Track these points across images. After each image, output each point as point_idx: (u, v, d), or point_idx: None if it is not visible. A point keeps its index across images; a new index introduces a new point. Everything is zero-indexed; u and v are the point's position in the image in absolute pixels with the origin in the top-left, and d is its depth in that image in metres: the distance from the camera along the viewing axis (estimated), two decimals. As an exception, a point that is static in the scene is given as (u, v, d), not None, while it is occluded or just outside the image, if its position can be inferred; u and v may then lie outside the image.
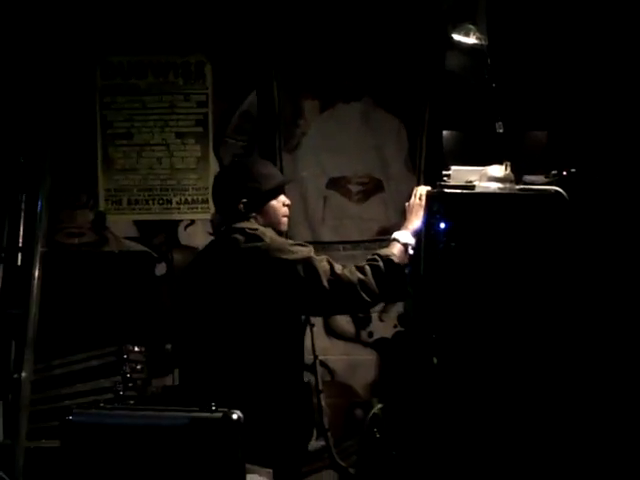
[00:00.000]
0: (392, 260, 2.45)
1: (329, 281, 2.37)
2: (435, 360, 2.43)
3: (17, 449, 3.17)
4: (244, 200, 2.51)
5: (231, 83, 3.49)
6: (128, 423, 1.83)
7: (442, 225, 2.32)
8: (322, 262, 2.41)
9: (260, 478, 2.02)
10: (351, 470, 3.47)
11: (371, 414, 3.43)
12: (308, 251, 2.43)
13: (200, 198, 3.54)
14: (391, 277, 2.46)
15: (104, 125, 3.54)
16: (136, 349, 3.38)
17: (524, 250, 2.24)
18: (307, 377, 2.75)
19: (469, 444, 2.35)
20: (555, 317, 2.24)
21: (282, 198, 2.60)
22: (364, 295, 2.41)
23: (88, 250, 3.54)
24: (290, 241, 2.53)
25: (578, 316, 2.23)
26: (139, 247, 3.56)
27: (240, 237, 2.43)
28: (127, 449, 1.81)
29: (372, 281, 2.41)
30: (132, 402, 3.07)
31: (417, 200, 2.55)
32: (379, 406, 3.42)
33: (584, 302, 2.23)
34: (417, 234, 2.54)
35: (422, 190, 2.55)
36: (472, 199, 2.27)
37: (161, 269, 3.56)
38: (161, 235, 3.56)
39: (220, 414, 1.77)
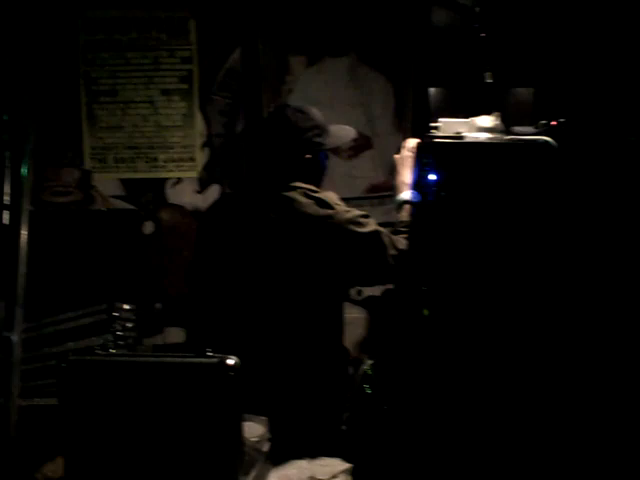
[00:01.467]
0: None
1: (393, 256, 2.36)
2: (426, 312, 2.46)
3: (9, 408, 3.18)
4: (307, 156, 2.42)
5: (216, 39, 3.44)
6: (124, 367, 1.84)
7: (431, 176, 2.33)
8: (385, 236, 2.38)
9: (256, 426, 2.04)
10: (342, 427, 3.50)
11: (361, 371, 3.46)
12: (374, 223, 2.39)
13: (187, 156, 3.51)
14: None
15: (88, 82, 3.49)
16: (126, 307, 3.38)
17: (514, 199, 2.26)
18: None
19: (460, 394, 2.39)
20: (544, 265, 2.27)
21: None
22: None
23: (75, 209, 3.52)
24: (357, 211, 2.42)
25: (568, 266, 2.26)
26: (126, 206, 3.55)
27: (302, 199, 2.34)
28: (123, 393, 1.83)
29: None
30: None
31: (407, 152, 2.55)
32: (369, 362, 3.44)
33: (573, 250, 2.25)
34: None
35: (412, 142, 2.55)
36: (461, 149, 2.27)
37: (149, 227, 3.54)
38: (148, 193, 3.54)
39: (216, 359, 1.78)
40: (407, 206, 2.52)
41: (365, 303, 3.52)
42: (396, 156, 2.61)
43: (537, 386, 2.35)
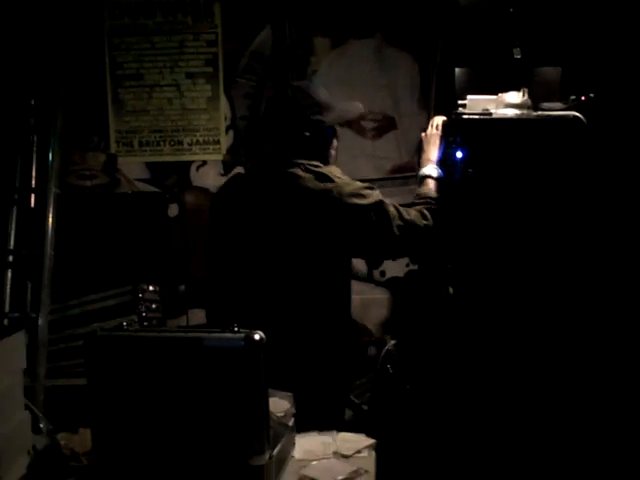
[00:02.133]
0: (440, 199, 2.42)
1: (398, 227, 2.33)
2: (451, 290, 2.45)
3: (36, 388, 3.22)
4: (307, 134, 2.41)
5: (240, 22, 3.44)
6: (151, 343, 1.85)
7: (459, 154, 2.32)
8: (391, 207, 2.36)
9: (281, 401, 2.05)
10: (364, 407, 3.51)
11: (384, 351, 3.47)
12: (377, 194, 2.37)
13: (211, 139, 3.52)
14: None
15: (113, 66, 3.51)
16: (151, 288, 3.40)
17: (542, 176, 2.24)
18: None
19: (484, 371, 2.38)
20: (573, 242, 2.25)
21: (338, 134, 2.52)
22: (428, 239, 2.38)
23: (101, 192, 3.54)
24: (359, 183, 2.41)
25: (595, 240, 2.24)
26: (151, 189, 3.56)
27: (304, 174, 2.34)
28: (150, 368, 1.83)
29: (434, 225, 2.36)
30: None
31: (434, 130, 2.53)
32: (392, 342, 3.45)
33: (602, 227, 2.23)
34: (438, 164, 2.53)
35: (439, 120, 2.54)
36: (490, 125, 2.26)
37: (173, 210, 3.56)
38: (173, 176, 3.56)
39: (242, 334, 1.78)
40: (428, 180, 2.50)
41: (388, 284, 3.51)
42: (423, 134, 2.59)
43: (560, 366, 2.33)
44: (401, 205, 2.42)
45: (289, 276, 2.36)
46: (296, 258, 2.34)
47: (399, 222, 2.33)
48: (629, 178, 2.21)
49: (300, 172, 2.34)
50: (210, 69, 3.48)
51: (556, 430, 2.34)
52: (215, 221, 2.58)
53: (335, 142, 2.51)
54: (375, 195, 2.36)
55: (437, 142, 2.50)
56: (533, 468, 2.35)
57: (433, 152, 2.51)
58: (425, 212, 2.38)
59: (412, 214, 2.37)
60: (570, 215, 2.24)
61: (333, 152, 2.52)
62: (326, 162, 2.46)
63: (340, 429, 2.19)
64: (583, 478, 2.32)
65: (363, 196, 2.33)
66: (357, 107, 2.61)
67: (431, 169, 2.50)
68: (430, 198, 2.43)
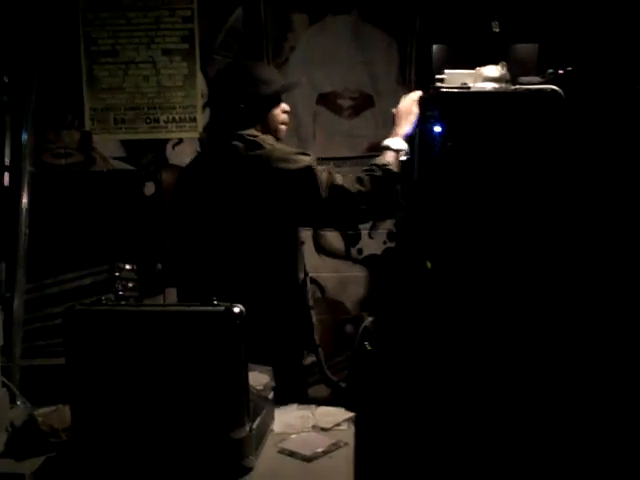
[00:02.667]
0: (390, 169, 2.42)
1: (326, 191, 2.35)
2: (429, 264, 2.45)
3: (12, 367, 3.19)
4: (242, 105, 2.46)
5: (217, -2, 3.41)
6: (130, 317, 1.84)
7: (437, 128, 2.32)
8: (323, 172, 2.37)
9: (260, 375, 2.05)
10: (342, 384, 3.52)
11: (362, 328, 3.48)
12: (310, 160, 2.39)
13: (188, 116, 3.49)
14: (389, 186, 2.43)
15: (88, 42, 3.46)
16: (127, 267, 3.37)
17: (521, 148, 2.25)
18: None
19: (462, 343, 2.39)
20: (551, 213, 2.26)
21: (282, 105, 2.54)
22: (362, 206, 2.39)
23: (76, 170, 3.50)
24: (292, 149, 2.47)
25: (573, 212, 2.26)
26: (127, 167, 3.53)
27: (239, 144, 2.40)
28: (129, 342, 1.82)
29: (371, 192, 2.38)
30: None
31: (407, 104, 2.53)
32: (370, 319, 3.46)
33: (580, 198, 2.25)
34: (408, 139, 2.53)
35: (414, 95, 2.53)
36: (468, 99, 2.26)
37: (150, 188, 3.53)
38: (149, 154, 3.52)
39: (222, 307, 1.78)
40: (386, 151, 2.49)
41: (365, 262, 3.52)
42: (394, 109, 2.59)
43: (537, 338, 2.35)
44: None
45: (236, 246, 2.41)
46: (239, 228, 2.39)
47: (327, 187, 2.35)
48: (606, 149, 2.23)
49: (237, 143, 2.40)
50: (186, 46, 3.45)
51: (533, 403, 2.36)
52: (175, 198, 2.66)
53: (278, 113, 2.53)
54: (307, 160, 2.38)
55: (410, 117, 2.50)
56: (508, 443, 2.37)
57: (402, 127, 2.51)
58: (363, 177, 2.39)
59: (346, 180, 2.39)
60: (548, 186, 2.25)
61: (281, 126, 2.55)
62: (275, 135, 2.51)
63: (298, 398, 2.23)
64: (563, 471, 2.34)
65: (293, 160, 2.36)
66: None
67: (393, 141, 2.50)
68: (376, 165, 2.43)
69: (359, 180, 2.39)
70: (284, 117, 2.56)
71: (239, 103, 2.46)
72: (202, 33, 3.43)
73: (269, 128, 2.52)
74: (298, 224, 2.54)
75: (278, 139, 2.52)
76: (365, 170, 2.45)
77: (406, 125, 2.51)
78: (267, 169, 2.35)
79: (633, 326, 2.33)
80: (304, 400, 2.34)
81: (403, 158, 2.50)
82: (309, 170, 2.35)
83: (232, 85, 2.50)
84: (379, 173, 2.41)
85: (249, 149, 2.38)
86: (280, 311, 2.45)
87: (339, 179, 2.38)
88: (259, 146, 2.38)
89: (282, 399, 2.18)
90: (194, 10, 3.43)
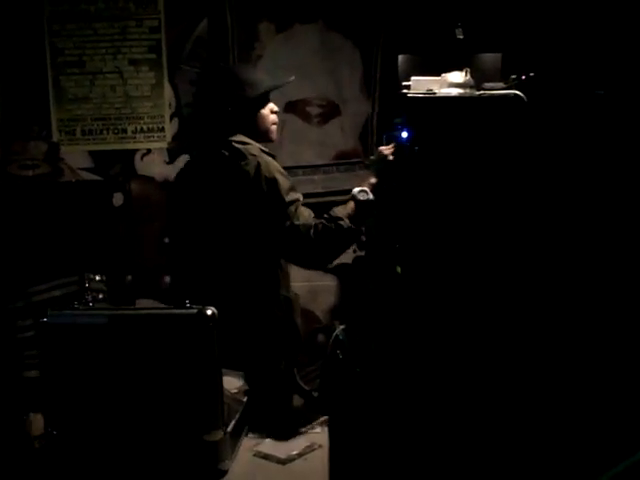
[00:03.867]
0: (341, 225, 2.41)
1: (287, 226, 2.37)
2: (399, 269, 2.48)
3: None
4: (229, 109, 2.45)
5: (184, 8, 3.42)
6: (104, 321, 1.83)
7: (405, 134, 2.35)
8: (291, 205, 2.38)
9: (234, 379, 2.06)
10: (314, 393, 3.53)
11: (333, 336, 3.49)
12: (286, 184, 2.40)
13: (156, 127, 3.49)
14: (336, 241, 2.44)
15: (54, 53, 3.45)
16: (97, 278, 3.36)
17: (486, 152, 2.29)
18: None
19: (433, 347, 2.42)
20: (515, 215, 2.31)
21: (270, 105, 2.54)
22: (307, 253, 2.42)
23: (44, 181, 3.48)
24: (274, 165, 2.43)
25: (538, 215, 2.30)
26: (95, 178, 3.51)
27: (226, 152, 2.41)
28: (103, 345, 1.82)
29: (317, 243, 2.38)
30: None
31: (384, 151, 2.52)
32: (341, 328, 3.47)
33: (543, 200, 2.30)
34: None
35: (386, 150, 2.53)
36: (434, 104, 2.30)
37: (118, 199, 3.52)
38: (117, 165, 3.51)
39: (195, 310, 1.79)
40: (350, 202, 2.48)
41: (336, 271, 3.53)
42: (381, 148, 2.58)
43: (507, 341, 2.39)
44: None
45: (221, 254, 2.44)
46: (223, 236, 2.42)
47: (288, 222, 2.36)
48: (567, 150, 2.29)
49: (224, 151, 2.41)
50: (153, 56, 3.46)
51: (503, 402, 2.40)
52: (172, 208, 2.74)
53: (267, 114, 2.53)
54: (282, 183, 2.38)
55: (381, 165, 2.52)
56: (476, 441, 2.40)
57: (373, 177, 2.53)
58: (319, 227, 2.39)
59: (306, 223, 2.38)
60: (513, 188, 2.30)
61: (271, 126, 2.55)
62: (265, 136, 2.51)
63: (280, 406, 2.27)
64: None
65: (265, 178, 2.36)
66: (285, 79, 2.65)
67: (358, 191, 2.49)
68: (331, 217, 2.42)
69: (315, 229, 2.39)
70: (273, 117, 2.56)
71: (226, 107, 2.45)
72: (169, 43, 3.44)
73: (260, 130, 2.51)
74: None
75: (271, 140, 2.54)
76: (323, 219, 2.43)
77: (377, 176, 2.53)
78: (246, 181, 2.36)
79: (602, 330, 2.38)
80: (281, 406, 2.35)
81: (361, 198, 2.50)
82: (279, 195, 2.36)
83: (218, 89, 2.49)
84: (332, 226, 2.40)
85: (232, 158, 2.39)
86: (257, 321, 2.46)
87: (300, 219, 2.38)
88: (242, 156, 2.39)
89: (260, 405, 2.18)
90: (161, 20, 3.44)
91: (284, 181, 2.40)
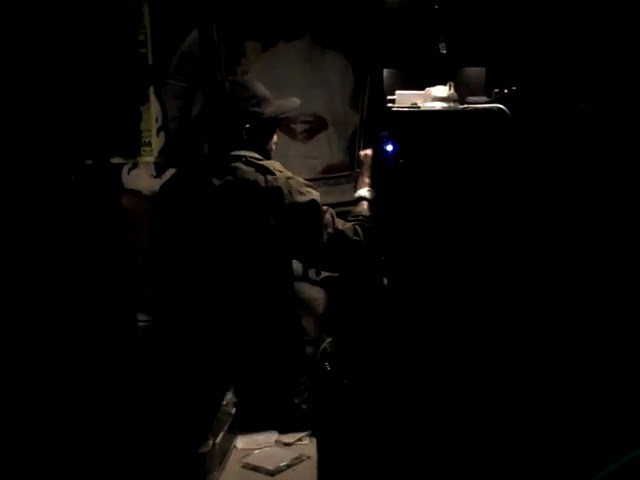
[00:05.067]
0: (373, 218, 2.46)
1: (329, 234, 2.34)
2: (385, 281, 2.51)
3: None
4: (247, 126, 2.40)
5: (170, 22, 3.43)
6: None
7: (390, 147, 2.38)
8: (326, 212, 2.37)
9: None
10: (303, 406, 3.53)
11: (321, 349, 3.49)
12: (317, 194, 2.37)
13: (143, 141, 3.50)
14: (373, 236, 2.46)
15: (41, 68, 3.45)
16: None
17: (469, 165, 2.33)
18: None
19: (420, 360, 2.44)
20: (498, 228, 2.34)
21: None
22: (357, 256, 2.41)
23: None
24: (301, 179, 2.43)
25: (520, 226, 2.34)
26: (82, 192, 3.51)
27: (246, 167, 2.34)
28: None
29: (365, 243, 2.40)
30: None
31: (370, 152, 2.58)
32: (329, 340, 3.48)
33: (528, 212, 2.33)
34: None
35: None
36: (418, 117, 2.33)
37: (106, 213, 3.52)
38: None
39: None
40: (362, 202, 2.55)
41: (324, 283, 3.55)
42: (361, 152, 2.65)
43: (493, 352, 2.41)
44: (335, 204, 2.48)
45: (230, 268, 2.36)
46: (236, 251, 2.34)
47: (330, 230, 2.35)
48: (549, 162, 2.32)
49: (241, 165, 2.35)
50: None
51: (492, 411, 2.42)
52: (157, 221, 2.54)
53: (275, 136, 2.55)
54: (315, 194, 2.37)
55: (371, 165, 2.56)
56: (464, 450, 2.42)
57: (369, 174, 2.58)
58: (357, 228, 2.42)
59: (346, 226, 2.40)
60: (496, 199, 2.33)
61: (273, 146, 2.55)
62: (266, 156, 2.48)
63: (280, 427, 2.23)
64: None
65: (301, 193, 2.34)
66: (294, 102, 2.64)
67: (365, 191, 2.56)
68: (363, 216, 2.47)
69: (355, 231, 2.40)
70: (276, 137, 2.56)
71: (244, 123, 2.40)
72: (156, 57, 3.46)
73: (265, 149, 2.48)
74: (294, 257, 2.51)
75: (269, 159, 2.49)
76: (355, 221, 2.45)
77: (370, 172, 2.58)
78: (277, 197, 2.30)
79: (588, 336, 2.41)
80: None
81: (370, 197, 2.57)
82: (315, 206, 2.34)
83: (234, 103, 2.41)
84: (369, 224, 2.43)
85: (260, 173, 2.32)
86: (276, 336, 2.45)
87: (340, 224, 2.38)
88: (269, 171, 2.33)
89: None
90: (147, 34, 3.45)
91: (316, 192, 2.39)
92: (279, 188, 2.31)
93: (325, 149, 3.50)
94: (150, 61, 3.45)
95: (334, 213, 2.42)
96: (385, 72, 2.92)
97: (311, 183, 2.46)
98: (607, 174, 2.39)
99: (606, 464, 2.03)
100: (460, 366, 2.41)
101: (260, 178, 2.32)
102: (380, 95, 2.87)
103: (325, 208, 2.40)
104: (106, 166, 3.41)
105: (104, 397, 2.46)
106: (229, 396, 2.06)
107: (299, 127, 3.49)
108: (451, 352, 2.42)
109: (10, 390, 2.47)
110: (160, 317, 2.57)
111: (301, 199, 2.33)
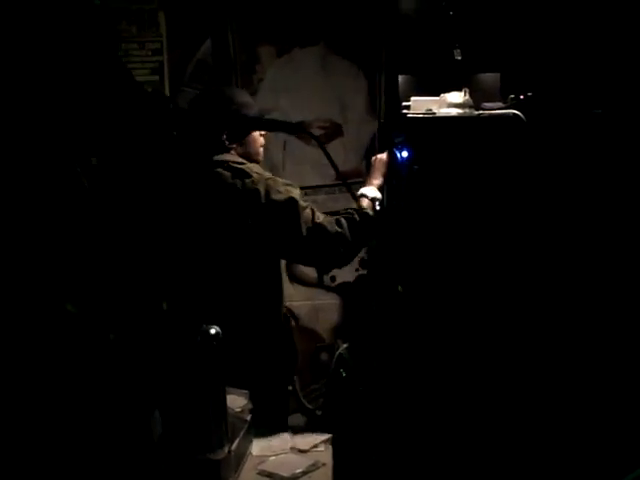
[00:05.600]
0: (367, 213, 2.46)
1: (308, 229, 2.36)
2: (400, 288, 2.50)
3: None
4: (226, 130, 2.45)
5: (185, 31, 3.45)
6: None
7: (404, 153, 2.38)
8: (306, 209, 2.39)
9: (238, 397, 2.07)
10: (318, 412, 3.53)
11: (336, 355, 3.50)
12: (296, 193, 2.41)
13: (159, 148, 3.52)
14: (366, 231, 2.47)
15: (58, 76, 3.49)
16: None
17: (485, 171, 2.32)
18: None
19: (434, 366, 2.44)
20: (514, 234, 2.33)
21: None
22: (340, 249, 2.42)
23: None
24: (280, 179, 2.48)
25: (540, 232, 2.32)
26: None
27: (225, 172, 2.39)
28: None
29: (348, 234, 2.40)
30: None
31: (384, 157, 2.59)
32: (344, 346, 3.49)
33: (544, 217, 2.32)
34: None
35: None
36: (433, 124, 2.33)
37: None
38: (120, 186, 3.54)
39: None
40: (362, 198, 2.54)
41: (338, 289, 3.55)
42: (373, 158, 2.65)
43: (508, 358, 2.40)
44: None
45: (220, 274, 2.42)
46: (220, 257, 2.40)
47: (309, 225, 2.37)
48: (566, 169, 2.31)
49: (222, 171, 2.41)
50: (156, 78, 3.49)
51: (510, 422, 2.41)
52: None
53: (261, 139, 2.57)
54: (294, 193, 2.40)
55: (383, 169, 2.56)
56: (483, 461, 2.41)
57: (377, 178, 2.58)
58: (342, 220, 2.42)
59: (326, 220, 2.41)
60: (512, 207, 2.32)
61: (260, 149, 2.58)
62: (252, 159, 2.52)
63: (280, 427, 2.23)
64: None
65: (279, 192, 2.37)
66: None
67: (368, 190, 2.56)
68: (353, 210, 2.47)
69: (338, 222, 2.42)
70: (262, 140, 2.58)
71: (224, 128, 2.45)
72: (171, 65, 3.48)
73: (250, 152, 2.53)
74: (278, 256, 2.55)
75: (257, 162, 2.54)
76: (344, 213, 2.47)
77: (381, 177, 2.58)
78: (252, 197, 2.35)
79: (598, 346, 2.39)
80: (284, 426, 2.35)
81: (378, 207, 2.55)
82: (293, 203, 2.37)
83: (217, 110, 2.47)
84: (357, 217, 2.44)
85: (236, 177, 2.38)
86: (263, 338, 2.47)
87: (318, 218, 2.40)
88: (245, 174, 2.38)
89: (262, 424, 2.19)
90: (163, 43, 3.47)
91: (295, 190, 2.42)
92: (256, 190, 2.36)
93: (340, 156, 3.49)
94: (166, 69, 3.47)
95: (315, 208, 2.44)
96: (400, 78, 2.92)
97: (292, 182, 2.50)
98: (625, 181, 2.37)
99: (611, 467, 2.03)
100: (477, 374, 2.40)
101: (238, 182, 2.38)
102: (395, 101, 2.88)
103: (306, 204, 2.42)
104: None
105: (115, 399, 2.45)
106: (244, 402, 2.06)
107: (314, 132, 3.49)
108: (467, 359, 2.41)
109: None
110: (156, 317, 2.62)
111: (278, 197, 2.36)
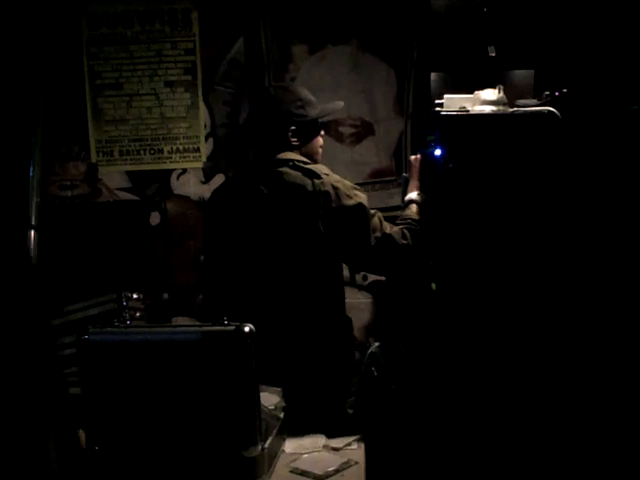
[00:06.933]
0: (421, 221, 2.45)
1: (376, 239, 2.34)
2: (434, 286, 2.49)
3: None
4: (292, 128, 2.42)
5: (218, 30, 3.48)
6: (143, 339, 1.87)
7: (438, 151, 2.37)
8: (374, 217, 2.37)
9: (271, 395, 2.07)
10: (350, 411, 3.52)
11: (368, 353, 3.49)
12: (364, 198, 2.37)
13: (191, 147, 3.55)
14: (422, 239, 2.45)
15: (92, 76, 3.53)
16: (135, 296, 3.41)
17: (520, 169, 2.30)
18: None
19: (467, 365, 2.42)
20: (551, 232, 2.30)
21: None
22: (406, 260, 2.40)
23: (82, 201, 3.55)
24: (348, 182, 2.43)
25: (574, 233, 2.30)
26: (132, 198, 3.58)
27: (292, 171, 2.35)
28: (142, 364, 1.85)
29: (413, 247, 2.39)
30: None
31: (419, 158, 2.58)
32: (376, 345, 3.47)
33: (579, 218, 2.29)
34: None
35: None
36: (468, 121, 2.31)
37: (155, 219, 3.57)
38: (154, 185, 3.58)
39: (232, 327, 1.81)
40: (412, 205, 2.54)
41: (370, 288, 3.54)
42: (411, 157, 2.64)
43: (544, 357, 2.38)
44: (382, 208, 2.47)
45: (282, 273, 2.38)
46: (286, 256, 2.36)
47: (378, 234, 2.35)
48: (602, 167, 2.28)
49: (287, 169, 2.36)
50: (189, 77, 3.52)
51: (540, 422, 2.38)
52: (210, 229, 2.59)
53: (320, 139, 2.54)
54: (360, 197, 2.37)
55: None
56: (515, 461, 2.39)
57: (419, 178, 2.57)
58: (405, 232, 2.41)
59: (393, 230, 2.39)
60: (547, 205, 2.30)
61: (320, 149, 2.54)
62: (313, 159, 2.48)
63: (330, 432, 2.22)
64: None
65: (347, 196, 2.34)
66: (338, 104, 2.63)
67: (415, 195, 2.55)
68: (412, 220, 2.46)
69: (403, 234, 2.40)
70: (321, 140, 2.55)
71: (289, 125, 2.41)
72: (204, 64, 3.51)
73: (311, 152, 2.48)
74: (342, 262, 2.51)
75: (317, 162, 2.49)
76: (404, 224, 2.45)
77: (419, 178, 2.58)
78: (327, 201, 2.31)
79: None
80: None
81: (420, 200, 2.56)
82: (362, 209, 2.34)
83: (279, 106, 2.42)
84: (417, 228, 2.43)
85: (306, 177, 2.33)
86: (329, 336, 2.45)
87: (388, 228, 2.38)
88: (315, 175, 2.34)
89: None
90: (196, 42, 3.50)
91: (362, 195, 2.39)
92: (326, 192, 2.32)
93: (372, 154, 3.51)
94: (199, 68, 3.49)
95: (382, 217, 2.42)
96: (433, 76, 2.90)
97: (358, 186, 2.46)
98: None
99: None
100: (511, 374, 2.38)
101: (307, 182, 2.33)
102: (426, 99, 2.86)
103: (373, 212, 2.40)
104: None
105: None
106: (277, 400, 2.07)
107: (347, 130, 3.50)
108: (501, 359, 2.39)
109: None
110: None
111: (348, 202, 2.33)
